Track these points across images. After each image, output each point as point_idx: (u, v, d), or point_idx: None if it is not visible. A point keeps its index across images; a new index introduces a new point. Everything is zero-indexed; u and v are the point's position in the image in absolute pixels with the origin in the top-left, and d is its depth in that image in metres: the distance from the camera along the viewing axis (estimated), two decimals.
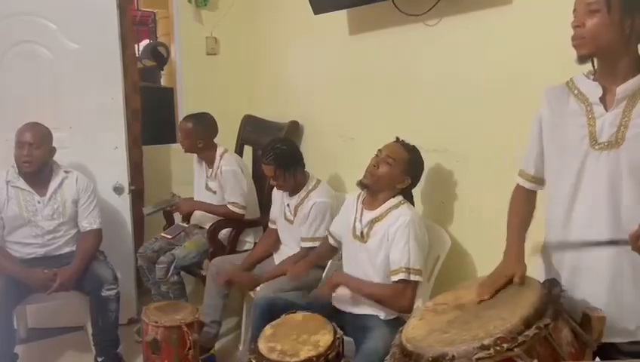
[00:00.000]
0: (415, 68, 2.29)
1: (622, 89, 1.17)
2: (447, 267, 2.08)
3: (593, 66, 1.24)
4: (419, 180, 1.99)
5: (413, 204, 2.00)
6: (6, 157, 2.47)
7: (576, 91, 1.27)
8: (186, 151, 2.89)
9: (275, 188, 2.57)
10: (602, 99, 1.21)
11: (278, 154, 2.36)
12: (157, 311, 2.23)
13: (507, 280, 1.30)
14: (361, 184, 1.96)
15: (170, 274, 2.66)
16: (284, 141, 2.56)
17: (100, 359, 2.45)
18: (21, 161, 2.39)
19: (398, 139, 2.00)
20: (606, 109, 1.20)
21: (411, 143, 1.98)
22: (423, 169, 1.99)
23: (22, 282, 2.30)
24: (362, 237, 1.94)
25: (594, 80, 1.24)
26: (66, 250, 2.51)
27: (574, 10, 1.22)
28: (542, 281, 1.27)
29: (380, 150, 1.96)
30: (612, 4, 1.14)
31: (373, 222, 1.92)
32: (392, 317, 1.89)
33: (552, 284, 1.19)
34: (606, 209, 1.19)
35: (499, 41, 1.87)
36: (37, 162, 2.40)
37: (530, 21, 1.72)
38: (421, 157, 1.98)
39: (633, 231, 1.09)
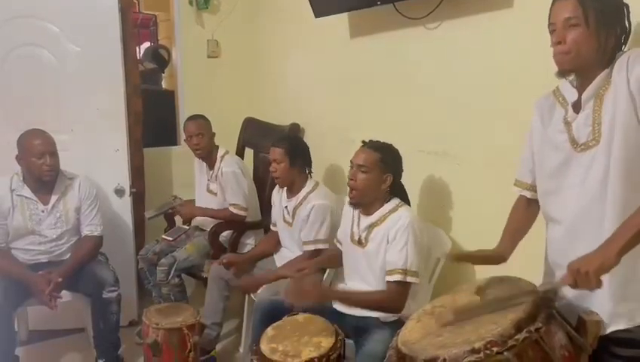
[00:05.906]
0: (415, 71, 2.29)
1: (586, 91, 1.22)
2: (448, 269, 2.08)
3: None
4: (402, 170, 1.97)
5: (406, 195, 2.00)
6: (7, 161, 2.44)
7: (560, 98, 1.31)
8: (201, 153, 2.84)
9: (274, 188, 2.59)
10: (574, 103, 1.25)
11: (292, 142, 2.45)
12: (158, 314, 2.24)
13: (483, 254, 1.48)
14: (353, 204, 1.98)
15: (171, 276, 2.66)
16: (301, 138, 2.68)
17: (100, 361, 2.45)
18: (43, 170, 2.36)
19: (364, 142, 1.97)
20: (576, 112, 1.24)
21: (382, 140, 1.96)
22: (400, 159, 1.96)
23: (23, 284, 2.29)
24: (361, 243, 1.95)
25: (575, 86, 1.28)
26: (69, 255, 2.48)
27: (550, 26, 1.24)
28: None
29: (351, 161, 1.94)
30: (589, 18, 1.17)
31: (371, 226, 1.92)
32: (392, 319, 1.89)
33: (545, 288, 1.19)
34: (597, 206, 1.20)
35: (499, 45, 1.88)
36: (57, 169, 2.43)
37: (530, 24, 1.72)
38: (393, 149, 1.95)
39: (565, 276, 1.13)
